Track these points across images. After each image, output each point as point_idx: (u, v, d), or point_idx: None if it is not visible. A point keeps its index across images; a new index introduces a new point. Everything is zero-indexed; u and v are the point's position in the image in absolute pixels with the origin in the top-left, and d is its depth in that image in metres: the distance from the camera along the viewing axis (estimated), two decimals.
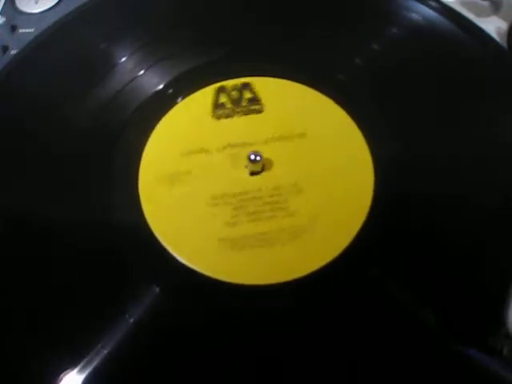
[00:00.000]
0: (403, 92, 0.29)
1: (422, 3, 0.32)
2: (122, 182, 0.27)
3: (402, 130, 0.28)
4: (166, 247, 0.25)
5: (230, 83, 0.30)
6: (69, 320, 0.23)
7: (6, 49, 0.33)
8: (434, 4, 0.32)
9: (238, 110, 0.29)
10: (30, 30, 0.34)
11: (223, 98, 0.29)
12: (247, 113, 0.29)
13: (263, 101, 0.29)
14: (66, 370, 0.22)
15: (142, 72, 0.30)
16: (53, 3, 0.35)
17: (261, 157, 0.26)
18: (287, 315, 0.23)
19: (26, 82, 0.30)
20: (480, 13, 0.33)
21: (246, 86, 0.29)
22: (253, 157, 0.26)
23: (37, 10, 0.35)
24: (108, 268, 0.25)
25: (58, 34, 0.32)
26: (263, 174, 0.27)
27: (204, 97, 0.29)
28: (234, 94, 0.29)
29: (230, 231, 0.25)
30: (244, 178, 0.27)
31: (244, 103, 0.29)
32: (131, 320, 0.23)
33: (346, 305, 0.24)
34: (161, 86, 0.30)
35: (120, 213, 0.26)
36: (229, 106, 0.29)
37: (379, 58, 0.30)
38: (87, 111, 0.29)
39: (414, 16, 0.31)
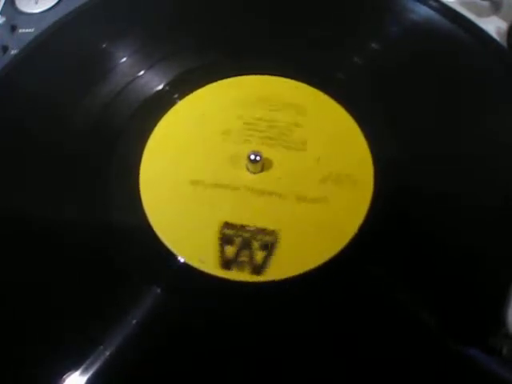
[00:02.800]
0: (403, 91, 0.29)
1: (422, 3, 0.32)
2: (123, 181, 0.27)
3: (402, 130, 0.28)
4: (168, 247, 0.25)
5: None
6: (70, 321, 0.23)
7: (5, 49, 0.33)
8: (434, 4, 0.32)
9: None
10: (30, 30, 0.34)
11: None
12: None
13: None
14: (68, 371, 0.22)
15: (142, 72, 0.30)
16: (53, 3, 0.35)
17: (261, 156, 0.26)
18: (289, 313, 0.23)
19: (26, 82, 0.30)
20: (480, 13, 0.33)
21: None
22: (253, 157, 0.26)
23: (37, 10, 0.35)
24: (109, 269, 0.25)
25: (57, 34, 0.32)
26: (263, 173, 0.27)
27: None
28: None
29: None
30: (244, 176, 0.27)
31: None
32: (133, 321, 0.23)
33: (346, 305, 0.24)
34: (161, 86, 0.30)
35: (121, 213, 0.26)
36: None
37: (379, 57, 0.30)
38: (87, 111, 0.29)
39: (414, 16, 0.31)
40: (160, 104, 0.29)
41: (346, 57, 0.31)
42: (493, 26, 0.32)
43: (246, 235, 0.25)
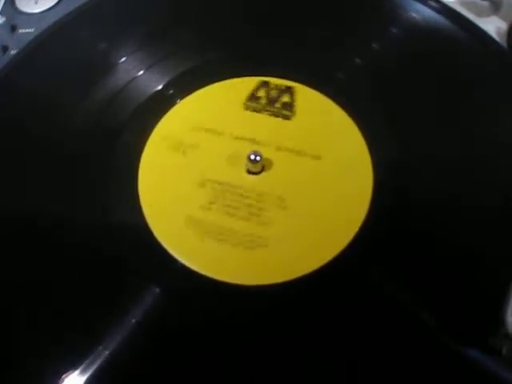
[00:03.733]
0: (403, 92, 0.29)
1: (422, 3, 0.32)
2: (122, 182, 0.27)
3: (401, 130, 0.28)
4: (166, 248, 0.25)
5: (275, 81, 0.30)
6: (69, 321, 0.23)
7: (5, 49, 0.33)
8: (434, 4, 0.32)
9: (269, 108, 0.29)
10: (30, 30, 0.34)
11: (261, 93, 0.29)
12: (276, 115, 0.29)
13: (297, 110, 0.29)
14: (67, 371, 0.22)
15: (141, 72, 0.30)
16: (53, 3, 0.35)
17: (260, 156, 0.26)
18: (287, 315, 0.23)
19: (26, 82, 0.30)
20: (480, 13, 0.33)
21: (287, 90, 0.29)
22: (253, 157, 0.26)
23: (37, 10, 0.35)
24: (108, 269, 0.25)
25: (57, 33, 0.32)
26: (263, 173, 0.27)
27: (243, 85, 0.29)
28: (273, 92, 0.29)
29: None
30: (244, 176, 0.27)
31: (278, 105, 0.29)
32: (132, 321, 0.23)
33: (346, 305, 0.24)
34: (161, 86, 0.30)
35: (120, 213, 0.26)
36: (263, 101, 0.29)
37: (379, 57, 0.30)
38: (87, 111, 0.29)
39: (414, 16, 0.31)
40: (160, 104, 0.29)
41: (346, 57, 0.31)
42: (493, 26, 0.32)
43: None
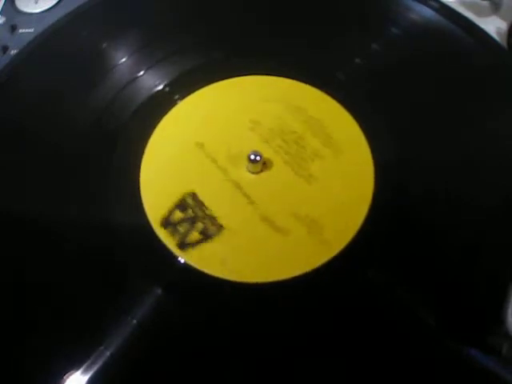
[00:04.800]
0: (403, 92, 0.29)
1: (422, 3, 0.32)
2: (123, 181, 0.27)
3: (402, 130, 0.28)
4: (168, 247, 0.25)
5: None
6: (71, 321, 0.23)
7: (6, 49, 0.33)
8: (434, 4, 0.32)
9: None
10: (29, 30, 0.34)
11: None
12: None
13: None
14: (69, 371, 0.22)
15: (141, 72, 0.30)
16: (53, 3, 0.35)
17: (260, 156, 0.26)
18: (289, 314, 0.24)
19: (26, 82, 0.30)
20: (480, 13, 0.33)
21: None
22: (253, 157, 0.26)
23: (37, 10, 0.35)
24: (110, 269, 0.25)
25: (57, 33, 0.32)
26: (263, 173, 0.27)
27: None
28: None
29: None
30: (244, 176, 0.27)
31: None
32: (134, 321, 0.23)
33: (346, 304, 0.24)
34: (161, 86, 0.30)
35: (121, 213, 0.26)
36: None
37: (379, 57, 0.30)
38: (87, 111, 0.29)
39: (414, 16, 0.31)
40: (160, 104, 0.29)
41: (346, 57, 0.31)
42: (493, 26, 0.32)
43: (199, 213, 0.26)
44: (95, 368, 0.22)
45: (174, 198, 0.26)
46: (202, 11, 0.33)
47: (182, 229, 0.25)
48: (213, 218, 0.25)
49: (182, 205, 0.26)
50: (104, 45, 0.31)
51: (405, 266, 0.25)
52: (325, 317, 0.23)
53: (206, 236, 0.25)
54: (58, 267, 0.25)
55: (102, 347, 0.22)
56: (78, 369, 0.22)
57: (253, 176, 0.27)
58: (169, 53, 0.31)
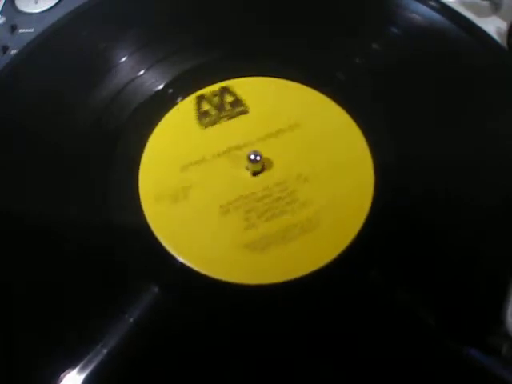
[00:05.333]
0: (403, 92, 0.29)
1: (422, 3, 0.32)
2: (123, 182, 0.27)
3: (402, 130, 0.28)
4: (166, 247, 0.25)
5: (208, 90, 0.29)
6: (69, 320, 0.23)
7: (6, 49, 0.33)
8: (434, 4, 0.32)
9: (223, 114, 0.29)
10: (29, 30, 0.34)
11: (205, 106, 0.29)
12: (232, 116, 0.29)
13: (246, 102, 0.29)
14: (65, 370, 0.22)
15: (142, 72, 0.30)
16: (53, 3, 0.35)
17: (260, 156, 0.26)
18: (288, 316, 0.23)
19: (26, 82, 0.30)
20: (480, 13, 0.33)
21: (224, 90, 0.29)
22: (253, 157, 0.26)
23: (37, 10, 0.35)
24: (108, 268, 0.25)
25: (57, 33, 0.32)
26: (265, 172, 0.27)
27: (186, 107, 0.29)
28: (215, 99, 0.29)
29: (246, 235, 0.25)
30: (244, 176, 0.27)
31: (227, 107, 0.29)
32: (131, 320, 0.23)
33: (346, 304, 0.24)
34: (161, 86, 0.30)
35: (120, 213, 0.26)
36: (213, 112, 0.29)
37: (379, 57, 0.30)
38: (87, 111, 0.29)
39: (414, 16, 0.31)
40: (160, 104, 0.29)
41: (346, 57, 0.31)
42: (493, 26, 0.32)
43: None
44: (92, 366, 0.22)
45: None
46: (201, 11, 0.33)
47: None
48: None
49: None
50: (104, 45, 0.31)
51: (405, 267, 0.25)
52: (325, 318, 0.23)
53: None
54: (58, 267, 0.25)
55: (99, 346, 0.22)
56: (75, 367, 0.22)
57: (252, 176, 0.27)
58: (169, 53, 0.31)
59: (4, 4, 0.35)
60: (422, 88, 0.29)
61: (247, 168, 0.27)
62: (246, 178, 0.27)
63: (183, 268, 0.24)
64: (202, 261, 0.25)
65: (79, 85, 0.30)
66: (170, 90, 0.30)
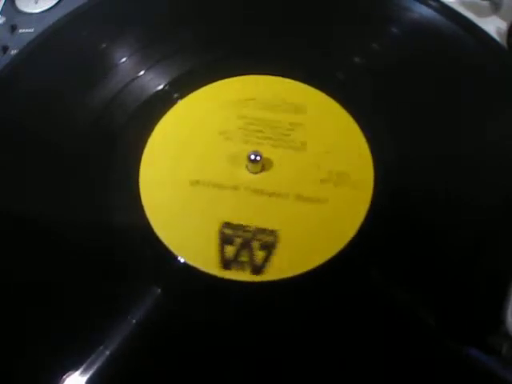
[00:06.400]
0: (403, 92, 0.29)
1: (422, 3, 0.32)
2: (123, 182, 0.27)
3: (402, 130, 0.28)
4: (168, 247, 0.25)
5: None
6: (70, 321, 0.23)
7: (6, 49, 0.33)
8: (434, 4, 0.32)
9: None
10: (29, 30, 0.34)
11: None
12: None
13: None
14: (68, 371, 0.22)
15: (142, 72, 0.30)
16: (53, 3, 0.35)
17: (261, 156, 0.26)
18: (289, 313, 0.24)
19: (26, 82, 0.30)
20: (480, 13, 0.33)
21: None
22: (253, 157, 0.26)
23: (37, 10, 0.35)
24: (110, 269, 0.25)
25: (57, 33, 0.32)
26: (263, 173, 0.27)
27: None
28: None
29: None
30: (244, 176, 0.27)
31: None
32: (133, 321, 0.23)
33: (346, 304, 0.24)
34: (161, 86, 0.30)
35: (120, 213, 0.26)
36: None
37: (379, 57, 0.30)
38: (87, 111, 0.29)
39: (414, 16, 0.31)
40: (160, 104, 0.29)
41: (346, 57, 0.31)
42: (493, 26, 0.32)
43: (247, 235, 0.25)
44: (94, 368, 0.22)
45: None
46: (201, 11, 0.33)
47: (244, 258, 0.25)
48: (261, 230, 0.25)
49: (225, 238, 0.25)
50: (104, 45, 0.31)
51: (405, 266, 0.25)
52: (324, 317, 0.23)
53: (268, 248, 0.25)
54: (58, 267, 0.25)
55: (101, 347, 0.22)
56: (77, 368, 0.22)
57: (253, 176, 0.27)
58: (169, 53, 0.31)
59: (4, 4, 0.35)
60: (422, 88, 0.29)
61: (247, 168, 0.27)
62: (246, 177, 0.27)
63: (185, 267, 0.24)
64: (202, 260, 0.25)
65: (79, 85, 0.30)
66: (170, 90, 0.30)
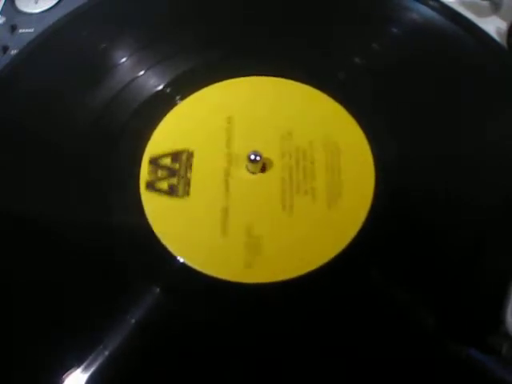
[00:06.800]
0: (403, 92, 0.29)
1: (422, 3, 0.32)
2: (123, 182, 0.27)
3: (402, 130, 0.28)
4: (166, 246, 0.25)
5: None
6: (70, 321, 0.23)
7: (6, 49, 0.33)
8: (433, 4, 0.32)
9: None
10: (29, 30, 0.34)
11: None
12: None
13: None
14: (68, 371, 0.22)
15: (141, 72, 0.30)
16: (53, 3, 0.35)
17: (260, 156, 0.26)
18: (289, 315, 0.24)
19: (26, 82, 0.30)
20: (480, 13, 0.33)
21: None
22: (253, 157, 0.26)
23: (37, 10, 0.35)
24: (109, 268, 0.25)
25: (58, 33, 0.32)
26: (263, 173, 0.27)
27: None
28: None
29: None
30: (244, 176, 0.27)
31: None
32: (132, 320, 0.23)
33: (346, 304, 0.24)
34: (161, 86, 0.30)
35: (121, 213, 0.26)
36: None
37: (379, 57, 0.30)
38: (87, 111, 0.29)
39: (414, 16, 0.31)
40: (160, 104, 0.29)
41: (346, 57, 0.31)
42: (493, 26, 0.32)
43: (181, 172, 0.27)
44: (94, 367, 0.22)
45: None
46: (201, 11, 0.33)
47: (160, 173, 0.27)
48: (188, 182, 0.27)
49: (175, 156, 0.27)
50: (104, 45, 0.31)
51: (405, 266, 0.25)
52: (324, 317, 0.23)
53: (171, 191, 0.26)
54: (57, 267, 0.25)
55: (101, 347, 0.22)
56: (76, 368, 0.22)
57: (253, 176, 0.27)
58: (169, 53, 0.31)
59: (4, 4, 0.35)
60: (422, 88, 0.29)
61: (247, 168, 0.27)
62: (246, 177, 0.27)
63: (184, 268, 0.24)
64: (202, 260, 0.25)
65: (79, 85, 0.30)
66: (170, 90, 0.30)
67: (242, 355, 0.23)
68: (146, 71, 0.30)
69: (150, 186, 0.27)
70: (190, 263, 0.25)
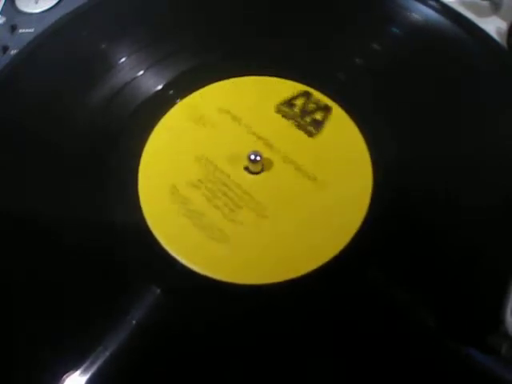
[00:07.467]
0: (403, 92, 0.29)
1: (422, 3, 0.32)
2: (122, 182, 0.27)
3: (401, 130, 0.28)
4: (166, 248, 0.25)
5: (317, 95, 0.29)
6: (70, 321, 0.23)
7: (6, 49, 0.33)
8: (434, 4, 0.32)
9: None
10: (30, 30, 0.34)
11: (299, 102, 0.29)
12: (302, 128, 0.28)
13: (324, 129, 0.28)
14: (68, 371, 0.22)
15: (141, 72, 0.30)
16: (53, 3, 0.35)
17: (260, 156, 0.26)
18: (289, 315, 0.23)
19: (26, 82, 0.30)
20: (480, 13, 0.33)
21: (325, 108, 0.29)
22: (253, 157, 0.26)
23: (37, 10, 0.35)
24: (109, 269, 0.25)
25: (57, 33, 0.32)
26: (263, 174, 0.27)
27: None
28: (311, 106, 0.29)
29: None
30: (244, 176, 0.27)
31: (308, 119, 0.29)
32: (133, 321, 0.23)
33: (345, 304, 0.24)
34: (161, 86, 0.30)
35: (120, 213, 0.26)
36: None
37: (379, 57, 0.30)
38: (87, 111, 0.29)
39: (414, 16, 0.31)
40: (160, 104, 0.29)
41: (346, 57, 0.31)
42: (493, 26, 0.32)
43: None
44: (94, 368, 0.22)
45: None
46: (201, 11, 0.33)
47: None
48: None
49: None
50: (104, 45, 0.31)
51: (405, 266, 0.25)
52: (324, 317, 0.23)
53: None
54: (57, 267, 0.25)
55: (101, 347, 0.22)
56: (76, 369, 0.22)
57: (252, 176, 0.27)
58: (169, 53, 0.31)
59: (4, 4, 0.35)
60: (422, 88, 0.29)
61: (247, 168, 0.27)
62: (245, 177, 0.27)
63: (183, 269, 0.24)
64: (202, 261, 0.25)
65: (79, 85, 0.30)
66: (170, 90, 0.30)
67: (242, 355, 0.23)
68: (145, 71, 0.30)
69: None
70: (189, 264, 0.25)
